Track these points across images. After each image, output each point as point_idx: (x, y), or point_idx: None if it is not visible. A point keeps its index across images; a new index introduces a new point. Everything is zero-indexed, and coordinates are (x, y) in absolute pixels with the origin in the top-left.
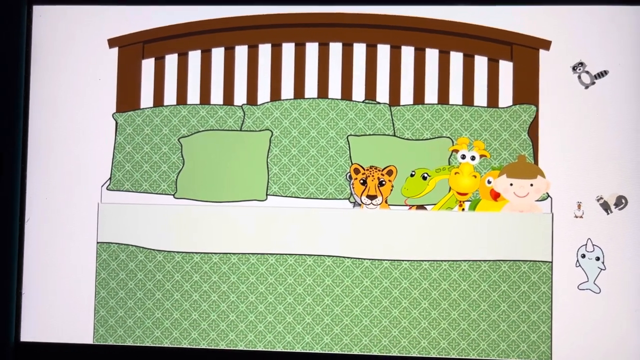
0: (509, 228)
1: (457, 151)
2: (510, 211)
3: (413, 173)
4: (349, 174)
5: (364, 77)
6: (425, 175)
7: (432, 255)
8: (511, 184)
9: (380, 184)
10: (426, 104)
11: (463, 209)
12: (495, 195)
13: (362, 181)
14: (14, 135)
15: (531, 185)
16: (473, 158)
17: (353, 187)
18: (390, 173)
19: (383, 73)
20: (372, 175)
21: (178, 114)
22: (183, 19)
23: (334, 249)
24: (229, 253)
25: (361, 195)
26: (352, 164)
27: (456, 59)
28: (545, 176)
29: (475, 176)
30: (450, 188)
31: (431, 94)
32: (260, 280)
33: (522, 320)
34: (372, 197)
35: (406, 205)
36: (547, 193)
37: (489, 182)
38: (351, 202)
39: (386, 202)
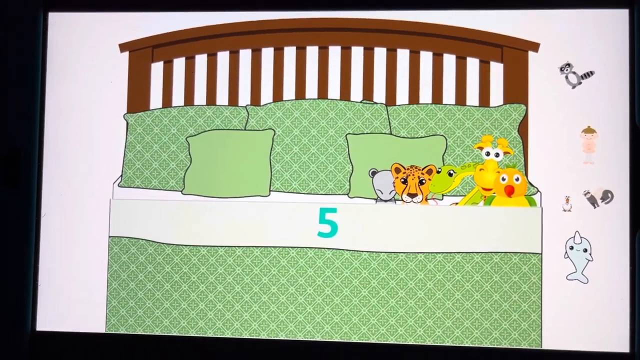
0: (501, 221)
1: (481, 148)
2: None
3: (439, 170)
4: (372, 170)
5: (361, 79)
6: (452, 172)
7: (427, 247)
8: None
9: (421, 182)
10: (421, 104)
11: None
12: (510, 192)
13: (402, 180)
14: (31, 134)
15: None
16: (497, 155)
17: (394, 186)
18: (430, 172)
19: (380, 75)
20: (413, 174)
21: (186, 115)
22: (190, 25)
23: (334, 242)
24: (234, 246)
25: (402, 194)
26: (350, 160)
27: (449, 61)
28: None
29: (499, 172)
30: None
31: (425, 94)
32: (263, 272)
33: (514, 309)
34: (412, 195)
35: (433, 199)
36: (537, 188)
37: (504, 179)
38: (373, 199)
39: (426, 199)
